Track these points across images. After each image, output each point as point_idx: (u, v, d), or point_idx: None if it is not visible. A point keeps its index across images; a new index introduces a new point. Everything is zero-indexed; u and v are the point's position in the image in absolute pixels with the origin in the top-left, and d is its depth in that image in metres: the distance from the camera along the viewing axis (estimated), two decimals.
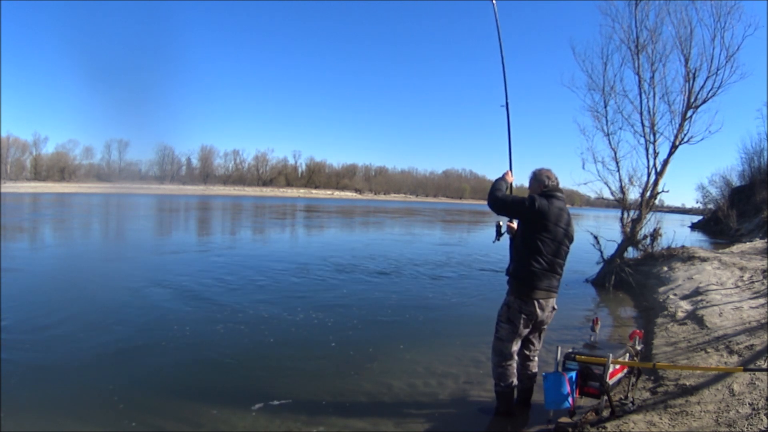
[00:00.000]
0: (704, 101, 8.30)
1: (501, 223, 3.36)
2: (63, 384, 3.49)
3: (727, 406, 2.80)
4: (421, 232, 19.99)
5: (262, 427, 2.99)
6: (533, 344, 3.23)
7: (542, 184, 3.12)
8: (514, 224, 3.26)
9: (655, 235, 9.23)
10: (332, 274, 8.50)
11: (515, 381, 3.13)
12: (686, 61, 8.39)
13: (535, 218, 2.96)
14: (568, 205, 3.15)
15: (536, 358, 3.28)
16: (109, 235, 15.48)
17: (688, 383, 3.25)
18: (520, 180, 3.49)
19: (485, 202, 3.19)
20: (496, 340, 3.11)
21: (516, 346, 3.10)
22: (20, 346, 4.17)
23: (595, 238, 8.73)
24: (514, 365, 3.12)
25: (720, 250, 11.62)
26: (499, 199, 3.07)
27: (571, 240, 3.09)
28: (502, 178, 3.26)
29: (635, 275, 8.08)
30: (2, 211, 19.55)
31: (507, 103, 3.74)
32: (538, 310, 3.01)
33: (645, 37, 8.53)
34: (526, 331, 3.08)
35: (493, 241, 3.43)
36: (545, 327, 3.23)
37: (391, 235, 17.56)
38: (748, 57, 20.07)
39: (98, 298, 6.07)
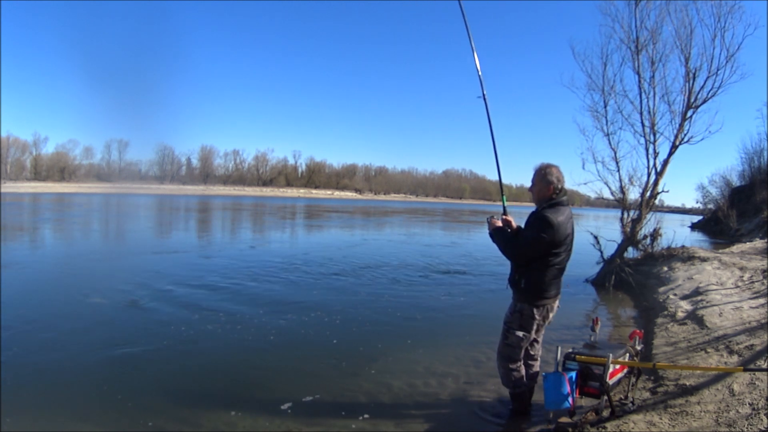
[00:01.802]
0: (704, 101, 8.30)
1: (493, 215, 3.27)
2: (63, 384, 3.49)
3: (727, 406, 2.79)
4: (429, 233, 19.99)
5: (262, 427, 2.99)
6: (537, 342, 3.24)
7: (551, 186, 2.94)
8: (509, 216, 3.19)
9: (655, 235, 9.22)
10: (332, 274, 8.50)
11: (526, 379, 3.15)
12: (686, 61, 8.39)
13: (553, 244, 2.89)
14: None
15: (539, 358, 3.29)
16: (109, 236, 15.48)
17: (688, 383, 3.25)
18: (521, 180, 3.45)
19: (485, 202, 3.15)
20: (506, 347, 3.07)
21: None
22: (20, 346, 4.16)
23: (595, 238, 8.72)
24: (523, 366, 3.14)
25: (720, 250, 11.61)
26: (518, 253, 2.95)
27: (572, 243, 3.08)
28: (496, 228, 3.13)
29: (635, 275, 8.07)
30: (2, 211, 19.55)
31: (484, 94, 3.55)
32: (550, 314, 3.05)
33: (645, 37, 8.53)
34: (535, 334, 3.10)
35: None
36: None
37: (395, 236, 17.55)
38: (748, 57, 20.07)
39: (98, 299, 6.06)
